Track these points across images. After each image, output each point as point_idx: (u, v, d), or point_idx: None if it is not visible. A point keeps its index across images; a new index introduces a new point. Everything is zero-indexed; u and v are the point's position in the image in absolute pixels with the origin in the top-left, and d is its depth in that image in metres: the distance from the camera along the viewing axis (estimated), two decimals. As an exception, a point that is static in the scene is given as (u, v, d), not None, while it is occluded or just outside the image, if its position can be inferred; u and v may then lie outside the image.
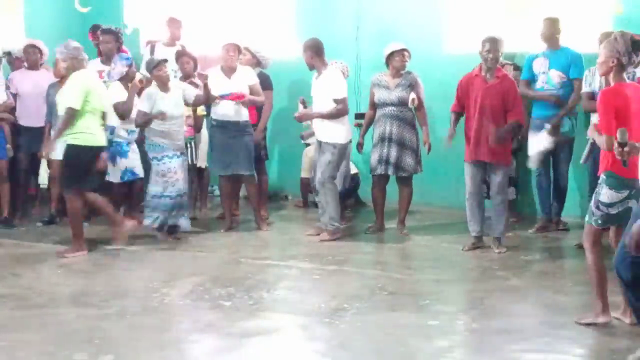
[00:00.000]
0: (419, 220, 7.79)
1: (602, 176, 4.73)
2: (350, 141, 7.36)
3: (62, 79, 7.57)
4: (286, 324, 4.98)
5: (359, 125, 8.10)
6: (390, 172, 7.32)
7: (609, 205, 4.70)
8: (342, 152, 7.19)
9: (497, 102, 6.51)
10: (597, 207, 4.74)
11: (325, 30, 8.81)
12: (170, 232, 7.13)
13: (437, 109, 8.04)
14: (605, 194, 4.69)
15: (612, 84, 4.73)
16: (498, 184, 6.66)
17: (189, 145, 7.86)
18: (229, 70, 7.36)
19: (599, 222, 4.76)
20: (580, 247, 6.71)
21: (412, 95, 7.20)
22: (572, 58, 7.21)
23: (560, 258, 6.66)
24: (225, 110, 7.35)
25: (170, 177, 7.00)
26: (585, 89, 6.69)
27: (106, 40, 8.02)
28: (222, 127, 7.39)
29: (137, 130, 7.47)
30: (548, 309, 5.20)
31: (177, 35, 8.53)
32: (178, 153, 7.07)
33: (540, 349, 4.65)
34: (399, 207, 7.44)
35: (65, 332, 4.79)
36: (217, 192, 9.18)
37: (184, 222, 7.15)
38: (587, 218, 4.85)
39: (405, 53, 7.25)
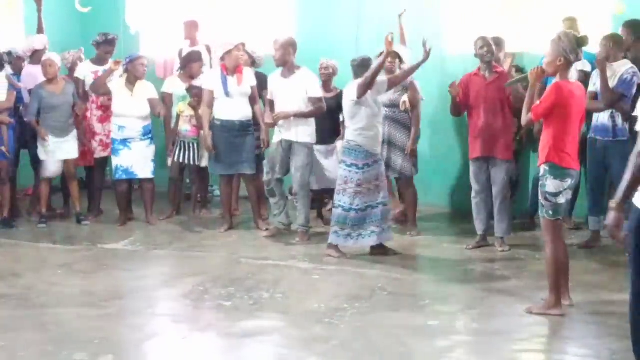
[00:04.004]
0: (419, 220, 7.78)
1: (544, 167, 4.98)
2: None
3: (51, 79, 7.60)
4: (286, 324, 4.98)
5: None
6: (389, 173, 7.30)
7: (556, 194, 4.94)
8: (312, 152, 7.19)
9: (499, 98, 6.55)
10: (546, 199, 4.97)
11: (325, 30, 8.84)
12: (376, 249, 6.59)
13: (436, 109, 8.04)
14: (550, 184, 4.94)
15: (559, 80, 4.97)
16: (501, 182, 6.67)
17: (192, 145, 7.89)
18: (232, 70, 7.35)
19: (550, 213, 4.98)
20: (580, 247, 6.76)
21: (404, 98, 7.19)
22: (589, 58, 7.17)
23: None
24: (228, 110, 7.33)
25: (366, 186, 6.45)
26: (590, 88, 6.69)
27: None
28: (226, 127, 7.34)
29: (135, 127, 7.61)
30: (548, 309, 5.20)
31: (194, 36, 8.67)
32: (378, 158, 6.58)
33: (540, 349, 4.66)
34: (406, 209, 7.45)
35: (65, 332, 4.79)
36: (217, 193, 9.20)
37: (375, 238, 6.51)
38: (540, 213, 5.08)
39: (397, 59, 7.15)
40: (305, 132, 7.06)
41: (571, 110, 4.94)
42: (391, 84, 6.65)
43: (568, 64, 4.97)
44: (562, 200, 4.97)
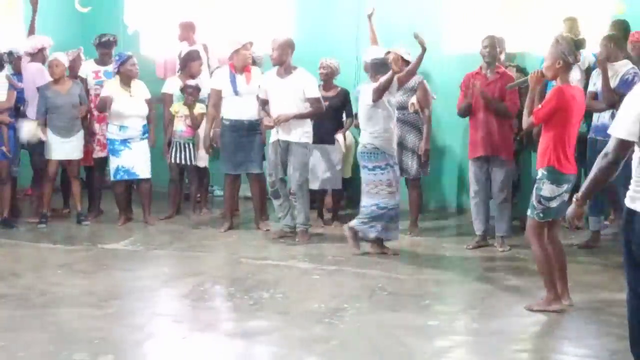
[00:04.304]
0: (419, 220, 7.78)
1: (542, 171, 5.02)
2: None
3: (57, 80, 7.61)
4: (286, 324, 4.97)
5: (358, 126, 8.07)
6: None
7: (550, 199, 5.00)
8: (309, 151, 7.16)
9: (500, 98, 6.56)
10: (539, 202, 5.03)
11: (325, 30, 8.84)
12: (377, 247, 6.67)
13: (436, 110, 8.03)
14: (546, 188, 4.99)
15: (559, 84, 5.00)
16: (501, 182, 6.68)
17: (187, 145, 7.89)
18: (240, 69, 7.34)
19: (541, 215, 5.05)
20: (580, 247, 6.76)
21: (412, 99, 7.18)
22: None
23: (560, 258, 6.64)
24: (237, 110, 7.30)
25: (395, 185, 6.51)
26: (590, 88, 6.68)
27: None
28: (234, 127, 7.32)
29: (137, 126, 7.62)
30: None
31: (190, 36, 8.69)
32: (395, 160, 6.60)
33: (540, 349, 4.66)
34: (409, 209, 7.47)
35: (65, 332, 4.78)
36: (217, 192, 9.21)
37: (386, 235, 6.63)
38: (529, 212, 5.12)
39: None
40: (302, 132, 7.03)
41: (572, 114, 4.96)
42: (400, 83, 6.63)
43: (567, 67, 4.99)
44: (554, 204, 5.01)
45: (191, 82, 7.93)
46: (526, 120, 5.16)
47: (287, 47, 6.99)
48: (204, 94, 8.10)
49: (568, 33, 7.14)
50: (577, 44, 5.00)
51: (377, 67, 6.48)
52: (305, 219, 7.15)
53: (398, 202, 6.54)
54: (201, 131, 7.87)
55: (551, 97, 4.96)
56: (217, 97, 7.37)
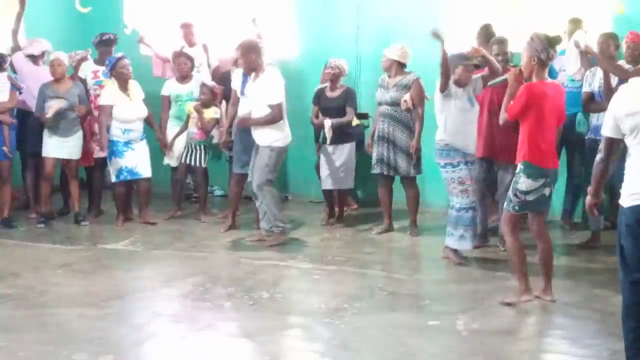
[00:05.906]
0: (419, 221, 7.77)
1: (520, 166, 5.11)
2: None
3: (58, 79, 7.61)
4: (286, 324, 4.98)
5: (358, 125, 8.08)
6: (386, 171, 7.31)
7: (526, 192, 5.09)
8: (279, 155, 6.98)
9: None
10: (515, 195, 5.13)
11: (325, 30, 8.84)
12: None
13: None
14: (523, 182, 5.08)
15: (534, 81, 5.08)
16: (506, 183, 6.65)
17: (198, 148, 7.89)
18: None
19: (516, 208, 5.16)
20: (580, 247, 6.76)
21: (405, 97, 7.18)
22: None
23: (561, 258, 6.63)
24: (244, 110, 7.26)
25: (469, 183, 6.29)
26: (585, 88, 6.67)
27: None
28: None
29: (139, 128, 7.63)
30: (548, 309, 5.20)
31: (190, 38, 8.74)
32: (470, 159, 6.35)
33: (540, 349, 4.66)
34: (407, 209, 7.45)
35: (65, 332, 4.79)
36: (217, 192, 9.20)
37: (459, 243, 6.38)
38: (505, 204, 5.24)
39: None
40: (269, 136, 6.88)
41: (544, 110, 5.02)
42: (487, 77, 6.32)
43: (542, 64, 5.04)
44: (531, 198, 5.09)
45: (208, 82, 7.94)
46: (502, 117, 5.24)
47: (250, 52, 6.85)
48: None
49: (572, 34, 7.18)
50: (551, 41, 5.02)
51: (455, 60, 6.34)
52: (267, 224, 7.02)
53: (473, 202, 6.30)
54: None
55: (520, 95, 5.04)
56: (234, 97, 7.37)
